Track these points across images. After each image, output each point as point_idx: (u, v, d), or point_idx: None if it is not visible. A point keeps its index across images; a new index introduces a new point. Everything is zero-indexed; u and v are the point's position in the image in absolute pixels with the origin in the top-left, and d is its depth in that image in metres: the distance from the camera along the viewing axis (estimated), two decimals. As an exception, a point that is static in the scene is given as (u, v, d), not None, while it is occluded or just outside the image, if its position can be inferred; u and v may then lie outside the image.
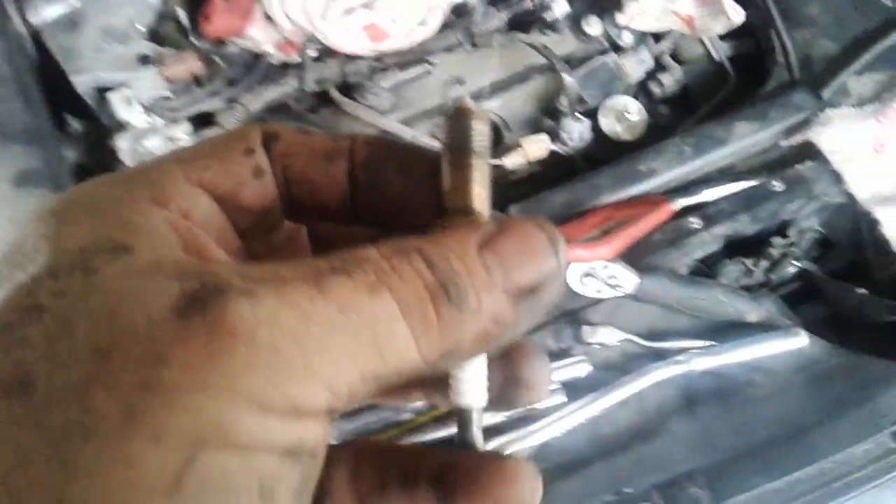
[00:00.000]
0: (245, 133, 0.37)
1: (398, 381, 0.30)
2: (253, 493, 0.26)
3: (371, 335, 0.28)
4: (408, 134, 1.22)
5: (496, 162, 1.22)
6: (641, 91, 1.34)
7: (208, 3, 1.29)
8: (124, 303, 0.27)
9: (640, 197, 1.11)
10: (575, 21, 1.33)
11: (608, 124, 1.28)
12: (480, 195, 0.35)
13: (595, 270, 1.00)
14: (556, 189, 1.12)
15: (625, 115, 1.28)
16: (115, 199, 0.32)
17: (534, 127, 1.33)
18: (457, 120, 0.35)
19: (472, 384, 0.35)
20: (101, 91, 1.27)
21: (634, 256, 1.04)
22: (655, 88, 1.32)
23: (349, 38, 1.24)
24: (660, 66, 1.34)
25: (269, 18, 1.28)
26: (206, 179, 0.34)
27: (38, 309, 0.27)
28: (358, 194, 0.37)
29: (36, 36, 1.30)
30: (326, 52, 1.28)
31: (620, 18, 1.29)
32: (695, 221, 1.07)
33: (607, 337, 1.04)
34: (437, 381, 0.36)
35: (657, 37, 1.34)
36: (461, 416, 0.35)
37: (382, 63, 1.26)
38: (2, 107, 1.14)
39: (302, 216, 0.39)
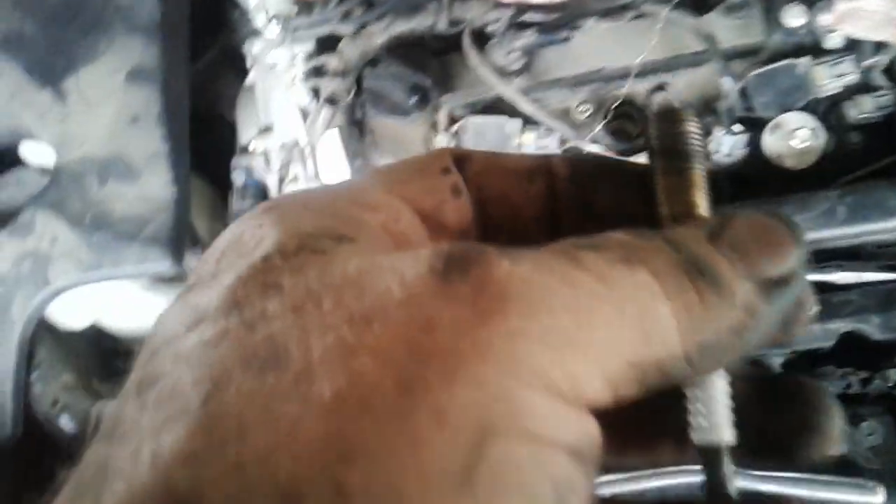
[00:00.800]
0: (440, 153, 0.37)
1: (659, 381, 0.27)
2: (548, 499, 0.23)
3: (636, 312, 0.26)
4: (528, 108, 1.08)
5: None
6: (830, 109, 1.08)
7: None
8: (372, 273, 0.25)
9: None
10: (770, 6, 1.08)
11: (773, 144, 1.05)
12: (702, 201, 0.33)
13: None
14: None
15: (797, 137, 1.04)
16: (328, 201, 0.32)
17: (689, 121, 1.13)
18: (665, 122, 0.34)
19: (719, 415, 0.31)
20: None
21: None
22: (851, 110, 1.05)
23: (494, -19, 1.09)
24: (865, 84, 1.06)
25: None
26: (408, 194, 0.34)
27: (276, 286, 0.25)
28: (562, 210, 0.36)
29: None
30: (473, -11, 1.15)
31: (824, 19, 1.02)
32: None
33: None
34: (669, 428, 0.33)
35: (874, 46, 1.06)
36: (708, 457, 0.31)
37: (525, 19, 1.10)
38: (138, -7, 1.14)
39: (496, 238, 0.36)
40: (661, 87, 1.10)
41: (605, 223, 0.33)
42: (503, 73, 1.10)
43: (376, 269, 0.25)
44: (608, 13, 1.10)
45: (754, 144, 1.04)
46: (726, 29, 1.08)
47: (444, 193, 0.35)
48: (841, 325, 0.86)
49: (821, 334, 0.87)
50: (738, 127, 1.03)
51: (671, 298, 0.26)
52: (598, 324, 0.25)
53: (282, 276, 0.25)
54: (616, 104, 1.09)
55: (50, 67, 1.13)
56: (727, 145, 1.03)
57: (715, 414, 0.31)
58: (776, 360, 0.89)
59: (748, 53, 1.09)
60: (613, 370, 0.25)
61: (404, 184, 0.34)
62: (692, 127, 0.33)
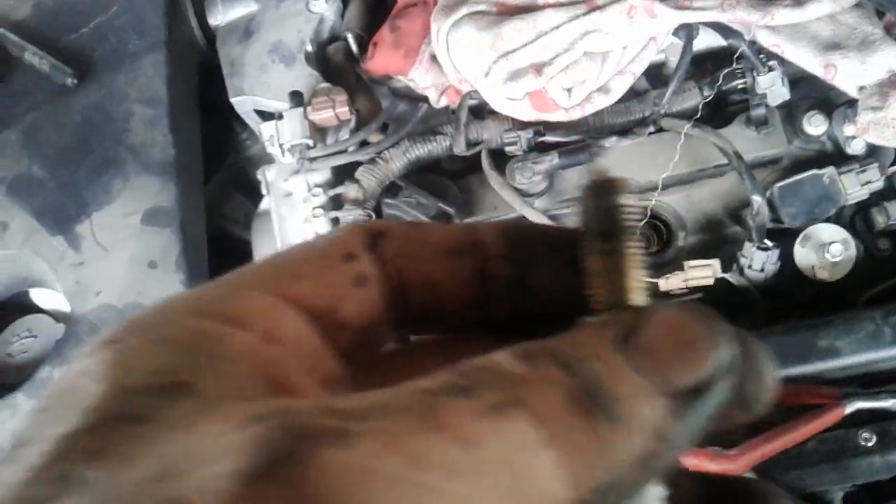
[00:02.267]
0: (350, 233, 0.31)
1: None
2: None
3: (506, 478, 0.22)
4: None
5: (651, 280, 1.04)
6: (859, 216, 1.07)
7: (378, 33, 1.20)
8: (171, 474, 0.21)
9: (808, 381, 0.89)
10: (790, 115, 1.08)
11: (804, 256, 1.04)
12: (635, 285, 0.28)
13: (716, 480, 0.82)
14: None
15: (829, 250, 1.03)
16: (184, 323, 0.26)
17: (715, 231, 1.12)
18: (596, 196, 0.29)
19: None
20: (259, 113, 1.24)
21: (774, 463, 0.85)
22: (879, 217, 1.05)
23: (509, 104, 1.08)
24: (891, 189, 1.06)
25: (434, 61, 1.16)
26: (297, 293, 0.29)
27: (65, 480, 0.21)
28: (494, 293, 0.31)
29: (209, 43, 1.28)
30: (488, 109, 1.14)
31: (848, 129, 1.02)
32: (868, 437, 0.84)
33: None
34: None
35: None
36: None
37: (543, 141, 1.09)
38: (150, 131, 1.13)
39: (421, 326, 0.33)
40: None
41: (543, 305, 0.30)
42: (525, 195, 1.09)
43: (175, 467, 0.21)
44: (628, 130, 1.09)
45: (786, 258, 1.03)
46: (747, 140, 1.07)
47: (343, 287, 0.30)
48: (902, 457, 0.84)
49: (881, 466, 0.85)
50: (768, 242, 1.02)
51: (555, 446, 0.22)
52: None
53: (73, 469, 0.22)
54: (642, 219, 1.08)
55: (62, 211, 1.10)
56: (759, 261, 1.01)
57: None
58: (837, 496, 0.86)
59: (770, 163, 1.09)
60: None
61: (294, 278, 0.29)
62: (626, 199, 0.29)
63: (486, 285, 0.31)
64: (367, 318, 0.30)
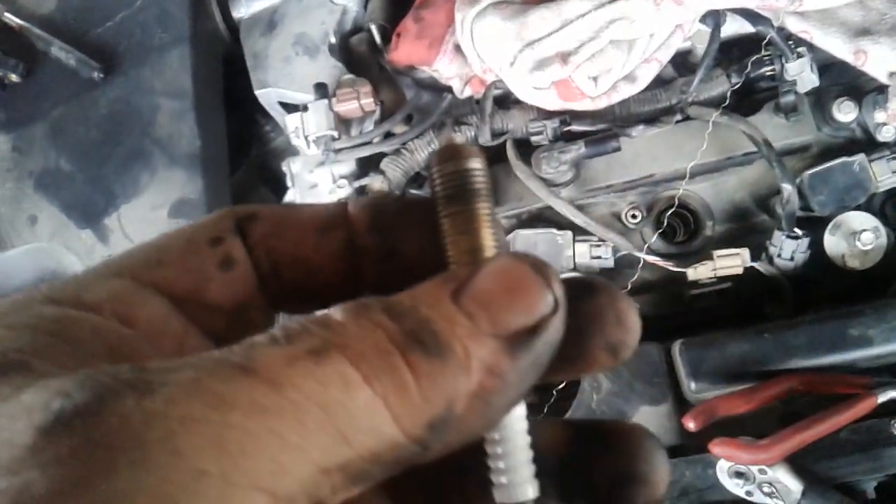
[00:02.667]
0: (219, 218, 0.32)
1: (387, 471, 0.24)
2: None
3: (321, 413, 0.22)
4: (580, 220, 1.06)
5: (680, 269, 1.04)
6: (889, 203, 1.06)
7: (402, 23, 1.19)
8: None
9: (839, 370, 0.88)
10: (819, 102, 1.06)
11: (834, 245, 1.03)
12: (487, 242, 0.29)
13: (750, 470, 0.82)
14: (735, 336, 0.92)
15: (859, 238, 1.01)
16: (36, 310, 0.27)
17: (743, 219, 1.11)
18: (445, 161, 0.30)
19: (519, 472, 0.28)
20: (283, 105, 1.24)
21: (807, 454, 0.84)
22: (910, 205, 1.04)
23: (535, 94, 1.08)
24: (923, 178, 1.05)
25: (459, 51, 1.15)
26: (159, 278, 0.30)
27: None
28: (365, 266, 0.32)
29: (233, 36, 1.28)
30: (513, 99, 1.14)
31: (879, 116, 1.01)
32: (902, 427, 0.84)
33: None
34: (474, 478, 0.30)
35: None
36: None
37: (570, 130, 1.09)
38: (176, 124, 1.13)
39: (298, 303, 0.33)
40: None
41: (413, 275, 0.30)
42: (551, 184, 1.09)
43: None
44: (654, 119, 1.08)
45: (815, 246, 1.02)
46: (776, 127, 1.06)
47: (209, 270, 0.30)
48: (937, 447, 0.83)
49: (916, 456, 0.84)
50: (798, 230, 1.01)
51: (372, 384, 0.23)
52: (259, 445, 0.21)
53: None
54: (669, 209, 1.07)
55: (90, 205, 1.11)
56: (788, 249, 1.00)
57: (514, 470, 0.28)
58: (870, 486, 0.86)
59: (799, 150, 1.08)
60: (293, 485, 0.22)
61: (157, 264, 0.30)
62: (474, 164, 0.30)
63: (356, 259, 0.32)
64: (236, 300, 0.31)
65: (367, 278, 0.32)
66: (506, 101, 1.15)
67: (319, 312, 0.25)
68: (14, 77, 1.17)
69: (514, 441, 0.29)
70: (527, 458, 0.29)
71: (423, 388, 0.23)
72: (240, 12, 1.29)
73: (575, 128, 1.09)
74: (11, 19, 1.19)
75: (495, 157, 1.15)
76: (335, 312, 0.25)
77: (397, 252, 0.32)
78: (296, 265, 0.32)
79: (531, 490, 0.29)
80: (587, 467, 0.31)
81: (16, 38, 1.19)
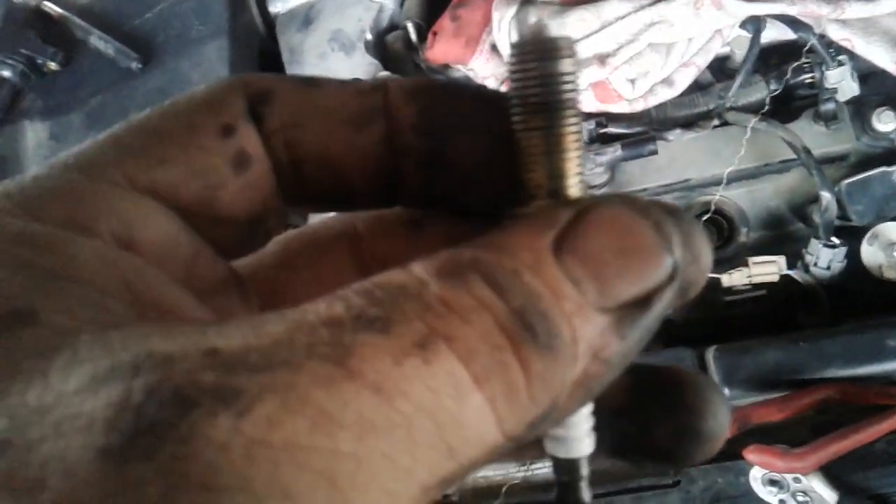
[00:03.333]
0: (216, 97, 0.25)
1: (472, 470, 0.20)
2: None
3: (432, 428, 0.18)
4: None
5: (714, 275, 1.03)
6: (929, 216, 1.05)
7: (439, 21, 1.19)
8: (17, 443, 0.16)
9: (875, 381, 0.87)
10: (858, 111, 1.06)
11: (871, 255, 1.02)
12: (573, 170, 0.24)
13: (785, 479, 0.81)
14: (770, 343, 0.92)
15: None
16: (12, 230, 0.20)
17: (778, 227, 1.10)
18: (531, 59, 0.24)
19: (577, 428, 0.25)
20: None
21: (842, 464, 0.83)
22: (949, 217, 1.03)
23: (573, 96, 1.07)
24: (964, 190, 1.03)
25: (495, 50, 1.15)
26: (160, 182, 0.23)
27: None
28: (406, 169, 0.26)
29: (269, 30, 1.29)
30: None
31: (920, 126, 1.00)
32: (940, 440, 0.83)
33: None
34: None
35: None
36: (565, 469, 0.26)
37: (606, 132, 1.08)
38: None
39: (317, 205, 0.28)
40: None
41: (463, 185, 0.25)
42: (586, 186, 1.08)
43: (32, 430, 0.16)
44: (691, 123, 1.07)
45: (852, 255, 1.01)
46: (814, 135, 1.05)
47: (221, 171, 0.24)
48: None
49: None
50: (835, 239, 1.00)
51: (484, 388, 0.19)
52: (371, 472, 0.17)
53: None
54: (704, 214, 1.06)
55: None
56: (825, 258, 1.00)
57: (572, 424, 0.25)
58: (906, 499, 0.85)
59: (837, 159, 1.07)
60: None
61: (154, 166, 0.23)
62: (568, 66, 0.24)
63: (395, 160, 0.26)
64: (251, 209, 0.25)
65: (408, 183, 0.27)
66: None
67: (399, 273, 0.20)
68: (53, 65, 1.18)
69: None
70: (587, 411, 0.26)
71: (532, 389, 0.20)
72: (276, 7, 1.30)
73: (611, 130, 1.09)
74: (52, 8, 1.20)
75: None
76: (424, 279, 0.20)
77: (446, 157, 0.26)
78: (322, 164, 0.26)
79: (587, 445, 0.26)
80: (647, 419, 0.28)
81: (55, 26, 1.20)
